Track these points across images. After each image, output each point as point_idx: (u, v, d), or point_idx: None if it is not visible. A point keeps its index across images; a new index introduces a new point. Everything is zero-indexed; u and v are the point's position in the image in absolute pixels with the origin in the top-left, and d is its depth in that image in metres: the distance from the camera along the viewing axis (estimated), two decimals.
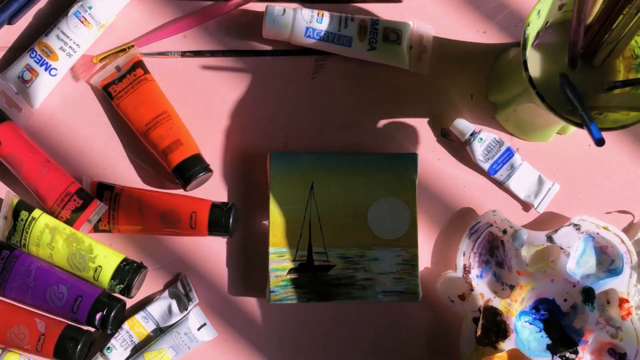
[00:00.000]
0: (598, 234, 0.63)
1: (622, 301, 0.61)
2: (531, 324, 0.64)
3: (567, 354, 0.62)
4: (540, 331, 0.64)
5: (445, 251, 0.65)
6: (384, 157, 0.63)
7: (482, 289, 0.63)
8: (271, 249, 0.62)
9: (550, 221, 0.65)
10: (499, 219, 0.63)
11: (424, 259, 0.65)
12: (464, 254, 0.63)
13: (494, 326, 0.62)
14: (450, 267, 0.64)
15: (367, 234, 0.63)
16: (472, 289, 0.62)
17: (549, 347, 0.63)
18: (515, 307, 0.62)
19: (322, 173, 0.63)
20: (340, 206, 0.63)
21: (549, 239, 0.62)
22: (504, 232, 0.63)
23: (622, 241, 0.62)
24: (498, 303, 0.62)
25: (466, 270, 0.63)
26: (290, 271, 0.62)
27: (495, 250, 0.64)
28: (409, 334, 0.64)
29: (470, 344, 0.62)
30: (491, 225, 0.63)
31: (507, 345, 0.62)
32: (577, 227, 0.62)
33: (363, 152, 0.64)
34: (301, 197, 0.63)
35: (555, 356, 0.62)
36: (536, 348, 0.63)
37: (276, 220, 0.62)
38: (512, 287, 0.63)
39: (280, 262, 0.62)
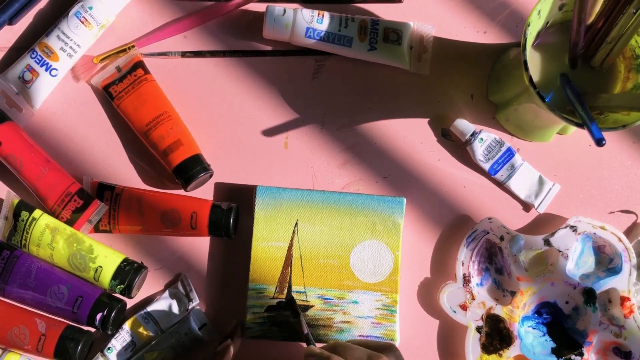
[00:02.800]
0: (595, 233, 0.63)
1: (624, 299, 0.61)
2: (534, 328, 0.64)
3: (573, 356, 0.62)
4: (544, 335, 0.64)
5: (444, 260, 0.65)
6: (370, 199, 0.63)
7: (483, 297, 0.63)
8: (250, 285, 0.62)
9: (550, 221, 0.65)
10: (496, 225, 0.63)
11: (424, 268, 0.65)
12: (462, 264, 0.63)
13: (498, 334, 0.62)
14: (450, 276, 0.64)
15: (349, 276, 0.62)
16: (473, 299, 0.62)
17: (553, 351, 0.63)
18: (518, 312, 0.62)
19: (307, 211, 0.62)
20: (323, 246, 0.62)
21: (547, 242, 0.62)
22: (501, 238, 0.63)
23: (620, 239, 0.62)
24: (500, 310, 0.62)
25: (466, 279, 0.63)
26: (268, 309, 0.62)
27: (494, 257, 0.64)
28: (414, 345, 0.64)
29: (475, 353, 0.62)
30: (488, 232, 0.63)
31: (511, 351, 0.61)
32: (573, 228, 0.62)
33: (350, 193, 0.63)
34: (284, 234, 0.62)
35: (560, 359, 0.62)
36: (541, 352, 0.63)
37: (257, 256, 0.62)
38: (513, 293, 0.63)
39: (258, 298, 0.62)
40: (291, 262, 0.62)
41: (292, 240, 0.62)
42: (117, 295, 0.61)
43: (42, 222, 0.61)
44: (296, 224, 0.62)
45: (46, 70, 0.63)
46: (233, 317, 0.63)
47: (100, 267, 0.60)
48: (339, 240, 0.62)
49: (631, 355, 0.61)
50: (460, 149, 0.66)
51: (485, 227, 0.63)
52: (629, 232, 0.65)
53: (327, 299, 0.62)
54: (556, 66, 0.61)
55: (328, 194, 0.63)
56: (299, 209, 0.62)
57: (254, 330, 0.61)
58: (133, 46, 0.65)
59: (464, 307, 0.62)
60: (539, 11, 0.56)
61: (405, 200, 0.63)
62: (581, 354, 0.62)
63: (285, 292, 0.62)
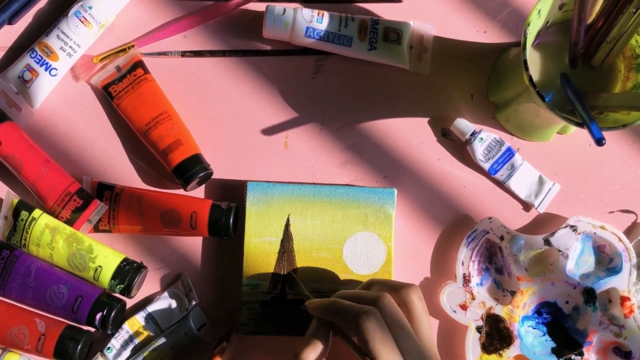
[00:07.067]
0: (595, 233, 0.63)
1: (624, 299, 0.61)
2: (535, 328, 0.64)
3: (573, 356, 0.62)
4: (544, 335, 0.64)
5: (444, 260, 0.65)
6: (361, 191, 0.63)
7: (483, 297, 0.62)
8: (244, 281, 0.62)
9: (550, 221, 0.65)
10: (496, 225, 0.63)
11: (424, 268, 0.65)
12: (462, 264, 0.63)
13: (498, 333, 0.62)
14: (450, 276, 0.64)
15: (342, 269, 0.62)
16: (473, 298, 0.62)
17: (554, 351, 0.63)
18: (518, 312, 0.62)
19: (298, 205, 0.62)
20: (315, 239, 0.62)
21: (547, 242, 0.62)
22: (501, 238, 0.63)
23: (620, 239, 0.62)
24: (500, 310, 0.62)
25: (466, 279, 0.63)
26: (263, 304, 0.62)
27: (494, 257, 0.64)
28: None
29: (475, 352, 0.62)
30: (488, 232, 0.63)
31: (512, 351, 0.61)
32: (573, 228, 0.62)
33: (341, 185, 0.63)
34: (277, 229, 0.62)
35: (561, 359, 0.62)
36: (541, 352, 0.63)
37: (250, 251, 0.62)
38: (513, 293, 0.63)
39: (252, 294, 0.62)
40: (284, 257, 0.62)
41: (284, 235, 0.62)
42: (117, 295, 0.61)
43: (42, 222, 0.61)
44: (288, 218, 0.62)
45: (46, 69, 0.63)
46: (230, 317, 0.63)
47: (100, 266, 0.60)
48: (331, 233, 0.63)
49: (631, 355, 0.61)
50: (460, 148, 0.66)
51: (485, 226, 0.63)
52: (629, 232, 0.65)
53: (322, 292, 0.62)
54: (556, 66, 0.61)
55: (319, 187, 0.63)
56: (290, 203, 0.63)
57: (249, 326, 0.61)
58: (133, 46, 0.65)
59: (464, 307, 0.62)
60: (539, 11, 0.56)
61: (396, 191, 0.63)
62: (581, 354, 0.62)
63: (279, 287, 0.62)
